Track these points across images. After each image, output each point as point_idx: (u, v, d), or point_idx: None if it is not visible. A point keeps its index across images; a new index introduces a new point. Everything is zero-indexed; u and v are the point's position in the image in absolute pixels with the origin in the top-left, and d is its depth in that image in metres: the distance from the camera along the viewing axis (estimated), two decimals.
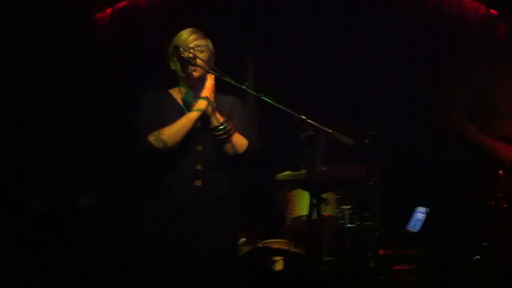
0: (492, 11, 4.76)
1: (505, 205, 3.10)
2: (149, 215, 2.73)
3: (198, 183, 2.70)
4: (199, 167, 2.71)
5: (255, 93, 2.54)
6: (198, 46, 2.75)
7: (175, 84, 2.88)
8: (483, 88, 3.24)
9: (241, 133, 2.81)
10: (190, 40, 2.75)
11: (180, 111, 2.74)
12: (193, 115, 2.68)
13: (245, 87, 2.53)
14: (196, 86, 2.80)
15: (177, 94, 2.84)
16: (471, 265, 4.02)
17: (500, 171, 3.14)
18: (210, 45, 2.83)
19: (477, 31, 4.74)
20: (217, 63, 2.81)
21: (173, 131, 2.64)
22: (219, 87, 2.77)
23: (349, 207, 4.01)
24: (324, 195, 3.55)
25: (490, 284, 3.33)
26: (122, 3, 4.87)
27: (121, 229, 4.11)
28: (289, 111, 2.50)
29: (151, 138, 2.62)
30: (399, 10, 4.71)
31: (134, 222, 2.83)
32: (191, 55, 2.68)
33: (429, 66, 4.50)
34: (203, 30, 2.85)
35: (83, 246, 4.20)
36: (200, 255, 2.68)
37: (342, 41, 4.72)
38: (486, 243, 3.87)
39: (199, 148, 2.73)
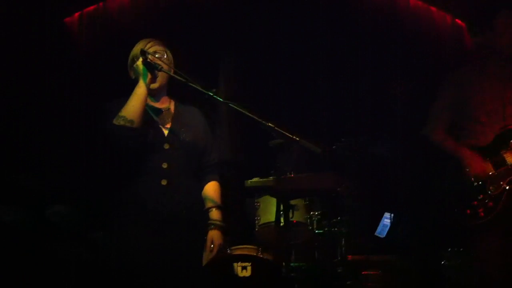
0: (458, 21, 4.87)
1: (482, 214, 3.15)
2: (121, 222, 2.72)
3: (164, 182, 2.71)
4: (165, 165, 2.72)
5: (222, 100, 2.54)
6: (156, 52, 2.77)
7: None
8: (457, 98, 3.34)
9: (205, 146, 2.87)
10: (148, 46, 2.78)
11: (146, 115, 2.75)
12: (141, 82, 2.68)
13: (212, 94, 2.54)
14: (158, 91, 2.82)
15: None
16: (439, 270, 4.10)
17: (475, 182, 3.19)
18: (169, 54, 2.85)
19: (444, 40, 4.84)
20: (188, 71, 2.82)
21: (130, 105, 2.64)
22: (185, 95, 2.78)
23: (317, 213, 4.05)
24: (293, 201, 3.56)
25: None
26: (91, 7, 4.84)
27: (94, 236, 4.04)
28: (257, 118, 2.51)
29: (115, 121, 2.63)
30: (368, 21, 4.77)
31: (107, 229, 2.82)
32: (157, 60, 2.69)
33: (398, 75, 4.57)
34: (166, 38, 2.87)
35: (53, 253, 4.13)
36: (169, 261, 2.67)
37: (311, 49, 4.76)
38: (454, 249, 3.96)
39: (166, 146, 2.75)
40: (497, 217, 3.10)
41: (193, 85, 2.57)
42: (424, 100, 3.64)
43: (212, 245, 2.80)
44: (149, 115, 2.77)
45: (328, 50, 4.73)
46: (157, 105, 2.84)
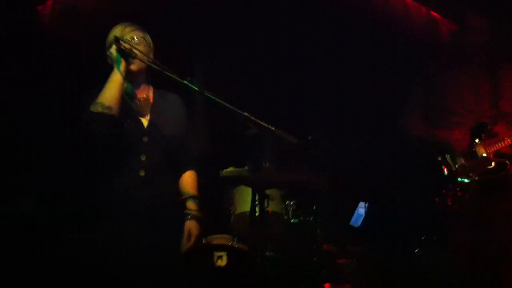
0: (433, 13, 4.91)
1: (450, 203, 3.21)
2: (101, 215, 2.73)
3: (142, 173, 2.69)
4: (143, 158, 2.71)
5: (197, 89, 2.53)
6: (134, 38, 2.74)
7: None
8: (432, 91, 3.39)
9: (183, 137, 2.86)
10: (126, 31, 2.74)
11: (123, 103, 2.72)
12: (115, 70, 2.66)
13: (187, 82, 2.52)
14: (135, 79, 2.79)
15: None
16: (412, 258, 4.17)
17: (445, 170, 3.25)
18: (148, 38, 2.82)
19: (420, 32, 4.87)
20: (162, 59, 2.79)
21: (106, 92, 2.63)
22: (161, 82, 2.76)
23: (293, 202, 4.07)
24: (268, 191, 3.58)
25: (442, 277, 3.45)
26: None
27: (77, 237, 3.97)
28: (233, 108, 2.51)
29: (92, 108, 2.61)
30: (344, 16, 4.78)
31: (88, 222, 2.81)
32: (132, 48, 2.66)
33: (373, 67, 4.60)
34: (143, 24, 2.83)
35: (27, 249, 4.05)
36: (148, 252, 2.67)
37: (288, 41, 4.75)
38: (427, 238, 4.03)
39: (145, 139, 2.73)
40: (465, 206, 3.17)
41: (168, 74, 2.55)
42: (398, 91, 3.68)
43: (189, 235, 2.80)
44: (127, 104, 2.74)
45: (305, 42, 4.73)
46: (136, 93, 2.81)
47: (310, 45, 4.73)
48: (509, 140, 3.21)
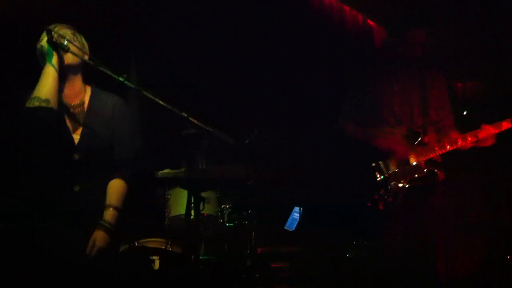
0: (369, 21, 5.03)
1: (381, 207, 3.28)
2: (35, 226, 2.63)
3: (77, 188, 2.65)
4: (75, 173, 2.65)
5: (134, 86, 2.46)
6: (65, 34, 2.64)
7: None
8: (365, 97, 3.46)
9: (121, 139, 2.78)
10: (58, 28, 2.64)
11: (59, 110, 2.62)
12: (47, 63, 2.56)
13: (123, 79, 2.44)
14: (71, 76, 2.68)
15: None
16: (345, 261, 4.23)
17: (378, 175, 3.31)
18: (79, 37, 2.71)
19: (355, 39, 4.98)
20: (97, 56, 2.70)
21: (41, 85, 2.53)
22: (98, 81, 2.67)
23: (228, 206, 4.04)
24: (204, 194, 3.53)
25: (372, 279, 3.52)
26: None
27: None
28: (170, 107, 2.46)
29: (28, 104, 2.50)
30: (281, 19, 4.80)
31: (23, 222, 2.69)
32: (63, 40, 2.55)
33: (308, 71, 4.65)
34: (77, 23, 2.74)
35: None
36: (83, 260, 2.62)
37: (227, 41, 4.73)
38: (360, 242, 4.10)
39: (76, 157, 2.63)
40: (395, 212, 3.26)
41: (103, 69, 2.46)
42: (336, 97, 3.74)
43: (93, 245, 2.68)
44: (61, 113, 2.63)
45: (244, 43, 4.72)
46: (69, 100, 2.68)
47: (249, 47, 4.72)
48: (439, 150, 3.32)
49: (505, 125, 3.33)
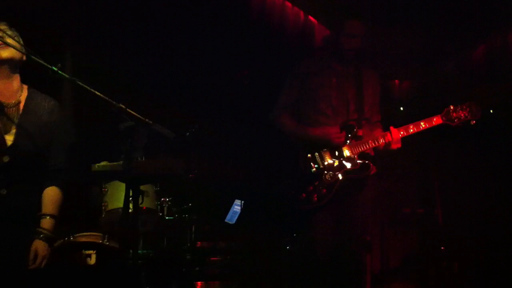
0: (311, 17, 5.08)
1: (316, 199, 3.33)
2: None
3: (4, 192, 2.51)
4: (3, 176, 2.51)
5: (68, 76, 2.37)
6: None
7: None
8: (302, 89, 3.50)
9: (58, 148, 2.69)
10: None
11: None
12: None
13: (57, 69, 2.35)
14: (7, 72, 2.56)
15: None
16: (282, 255, 4.28)
17: (313, 167, 3.36)
18: (10, 32, 2.59)
19: (295, 34, 5.03)
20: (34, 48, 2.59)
21: None
22: (35, 82, 2.56)
23: (168, 199, 4.00)
24: (143, 187, 3.47)
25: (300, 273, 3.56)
26: None
27: None
28: (107, 98, 2.38)
29: None
30: (222, 13, 4.77)
31: None
32: None
33: (250, 65, 4.65)
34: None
35: None
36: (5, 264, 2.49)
37: (169, 32, 4.67)
38: (296, 235, 4.16)
39: (5, 159, 2.51)
40: (329, 203, 3.32)
41: (35, 58, 2.36)
42: (271, 88, 3.76)
43: (35, 256, 2.60)
44: None
45: (184, 35, 4.68)
46: (3, 98, 2.55)
47: (190, 39, 4.67)
48: (372, 143, 3.39)
49: (436, 120, 3.44)
